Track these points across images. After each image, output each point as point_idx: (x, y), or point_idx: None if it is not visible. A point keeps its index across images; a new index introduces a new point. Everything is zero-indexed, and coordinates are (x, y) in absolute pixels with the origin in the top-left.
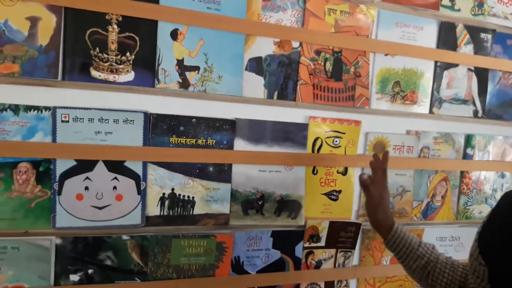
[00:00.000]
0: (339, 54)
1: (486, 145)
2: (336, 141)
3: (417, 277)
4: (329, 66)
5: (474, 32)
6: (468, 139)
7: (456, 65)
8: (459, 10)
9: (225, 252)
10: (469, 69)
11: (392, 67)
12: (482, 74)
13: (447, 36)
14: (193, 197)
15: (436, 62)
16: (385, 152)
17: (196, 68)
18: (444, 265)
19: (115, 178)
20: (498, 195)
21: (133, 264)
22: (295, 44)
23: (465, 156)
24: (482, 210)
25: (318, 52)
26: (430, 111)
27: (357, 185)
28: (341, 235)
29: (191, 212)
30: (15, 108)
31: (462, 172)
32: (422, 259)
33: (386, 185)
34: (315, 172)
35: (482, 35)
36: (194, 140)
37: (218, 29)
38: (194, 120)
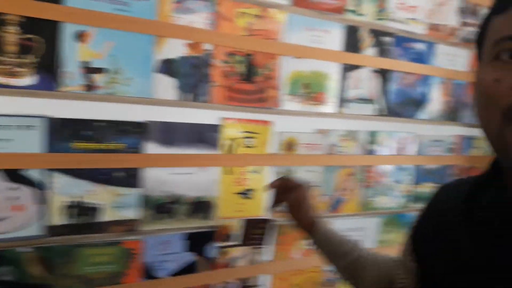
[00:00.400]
0: (251, 56)
1: (388, 141)
2: (249, 141)
3: (346, 276)
4: (241, 68)
5: (376, 35)
6: (372, 135)
7: (360, 67)
8: (362, 14)
9: (134, 258)
10: (372, 71)
11: (301, 69)
12: (384, 75)
13: (351, 39)
14: (99, 204)
15: (342, 64)
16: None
17: (103, 70)
18: (373, 261)
19: (14, 187)
20: (399, 187)
21: (35, 278)
22: (207, 46)
23: (370, 152)
24: (385, 201)
25: (230, 55)
26: (337, 111)
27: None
28: (254, 232)
29: (98, 220)
30: None
31: (366, 167)
32: (349, 256)
33: (306, 185)
34: (229, 172)
35: (384, 38)
36: (101, 144)
37: (127, 31)
38: (101, 123)
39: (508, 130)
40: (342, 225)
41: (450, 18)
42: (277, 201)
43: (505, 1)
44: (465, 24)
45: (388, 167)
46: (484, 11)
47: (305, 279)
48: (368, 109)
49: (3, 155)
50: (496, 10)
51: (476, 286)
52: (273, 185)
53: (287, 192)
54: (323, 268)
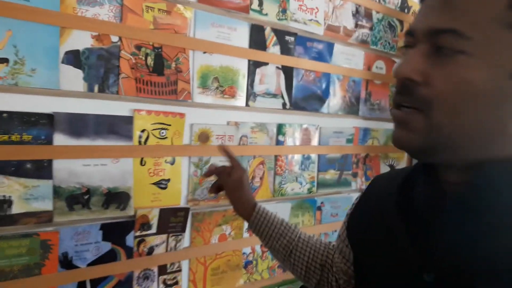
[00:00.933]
0: (160, 50)
1: (294, 132)
2: (162, 133)
3: (281, 257)
4: (150, 61)
5: (280, 34)
6: (279, 127)
7: (266, 64)
8: (266, 14)
9: (51, 249)
10: (277, 67)
11: (211, 64)
12: (288, 72)
13: (257, 37)
14: (9, 196)
15: (249, 60)
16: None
17: (4, 61)
18: (306, 244)
19: None
20: (306, 174)
21: None
22: (115, 39)
23: (278, 142)
24: (293, 187)
25: (138, 47)
26: (247, 104)
27: (185, 172)
28: (171, 221)
29: (8, 212)
30: None
31: (276, 156)
32: (284, 238)
33: (244, 169)
34: (143, 163)
35: (287, 37)
36: (7, 136)
37: (28, 21)
38: (5, 115)
39: (391, 113)
40: None
41: (346, 20)
42: (216, 187)
43: None
44: (359, 26)
45: (295, 156)
46: (376, 15)
47: (224, 262)
48: (275, 103)
49: None
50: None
51: (408, 274)
52: (210, 171)
53: (225, 176)
54: (241, 252)
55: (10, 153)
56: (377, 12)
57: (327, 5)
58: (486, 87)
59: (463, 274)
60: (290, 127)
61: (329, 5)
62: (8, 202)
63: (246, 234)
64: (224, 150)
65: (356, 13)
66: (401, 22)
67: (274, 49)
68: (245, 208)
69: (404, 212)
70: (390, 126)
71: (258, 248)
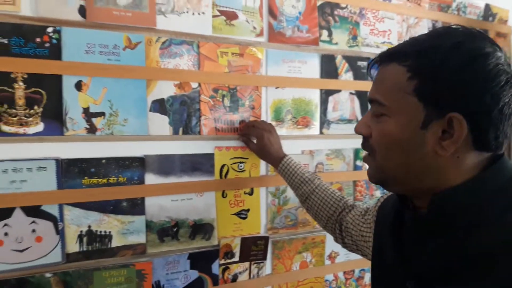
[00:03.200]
0: (235, 90)
1: None
2: (240, 166)
3: (299, 201)
4: (226, 101)
5: (352, 61)
6: (356, 152)
7: (339, 91)
8: (336, 43)
9: (145, 278)
10: (351, 93)
11: (283, 98)
12: (362, 96)
13: (328, 67)
14: (109, 232)
15: (321, 90)
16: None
17: (101, 114)
18: (319, 195)
19: (33, 221)
20: None
21: None
22: (194, 85)
23: (355, 167)
24: None
25: (215, 90)
26: (320, 132)
27: (263, 202)
28: (253, 249)
29: (109, 246)
30: None
31: (354, 181)
32: (302, 188)
33: (265, 127)
34: (225, 195)
35: (359, 62)
36: (106, 179)
37: (119, 77)
38: (103, 161)
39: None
40: None
41: None
42: (248, 136)
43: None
44: None
45: None
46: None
47: None
48: (350, 128)
49: (20, 194)
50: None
51: (395, 281)
52: (247, 127)
53: (252, 144)
54: (323, 279)
55: (109, 194)
56: (457, 26)
57: (400, 25)
58: (402, 137)
59: (436, 281)
60: None
61: (403, 25)
62: (108, 237)
63: (327, 261)
64: (242, 134)
65: (432, 28)
66: (485, 32)
67: (346, 76)
68: (273, 161)
69: (394, 231)
70: None
71: (341, 275)
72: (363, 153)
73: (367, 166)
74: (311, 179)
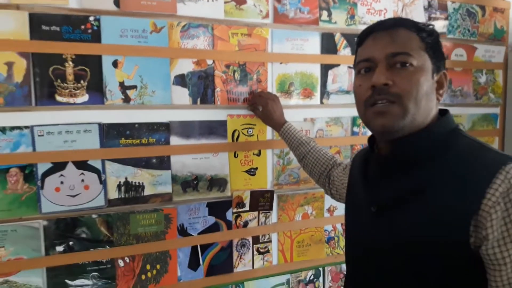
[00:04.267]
0: (244, 66)
1: None
2: (249, 131)
3: (297, 160)
4: (237, 75)
5: (350, 38)
6: (354, 120)
7: (338, 65)
8: (335, 22)
9: (171, 221)
10: (349, 67)
11: (287, 72)
12: None
13: (328, 44)
14: (142, 183)
15: (321, 64)
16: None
17: (134, 87)
18: (313, 155)
19: (82, 173)
20: None
21: (102, 236)
22: (209, 62)
23: (353, 133)
24: None
25: (227, 66)
26: (321, 102)
27: (270, 162)
28: (260, 201)
29: (142, 194)
30: (3, 129)
31: (351, 145)
32: (299, 149)
33: (270, 96)
34: (236, 155)
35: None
36: (139, 140)
37: (148, 56)
38: (136, 125)
39: (367, 112)
40: None
41: (418, 16)
42: (255, 104)
43: (361, 37)
44: (432, 19)
45: None
46: (452, 5)
47: (307, 237)
48: (348, 99)
49: (71, 151)
50: (358, 44)
51: (364, 208)
52: (254, 96)
53: (258, 112)
54: (323, 229)
55: (141, 152)
56: (453, 2)
57: (395, 4)
58: (425, 83)
59: (390, 206)
60: None
61: (398, 4)
62: (141, 187)
63: (327, 214)
64: (250, 103)
65: (428, 7)
66: (482, 7)
67: (344, 52)
68: (275, 126)
69: (362, 171)
70: (474, 111)
71: (339, 226)
72: (371, 112)
73: (365, 131)
74: (307, 141)
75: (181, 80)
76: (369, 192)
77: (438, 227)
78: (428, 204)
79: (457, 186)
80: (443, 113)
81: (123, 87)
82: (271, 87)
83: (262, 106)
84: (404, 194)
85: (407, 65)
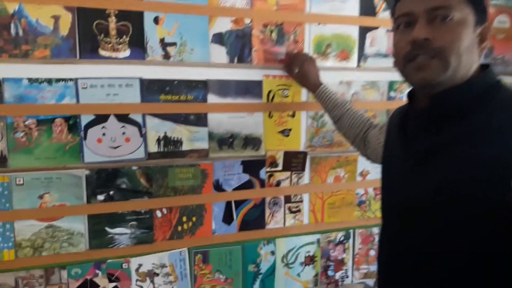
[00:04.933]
0: (281, 26)
1: (406, 89)
2: (284, 92)
3: (333, 121)
4: (274, 35)
5: (389, 1)
6: (391, 84)
7: (376, 28)
8: None
9: (208, 176)
10: (388, 30)
11: (324, 33)
12: None
13: (367, 6)
14: (180, 138)
15: (360, 26)
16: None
17: (174, 44)
18: (348, 117)
19: (123, 126)
20: None
21: (142, 187)
22: (247, 21)
23: (389, 98)
24: None
25: (265, 26)
26: (358, 65)
27: (303, 124)
28: (293, 161)
29: (180, 149)
30: (49, 81)
31: (387, 110)
32: (335, 110)
33: (306, 58)
34: (271, 116)
35: None
36: (177, 96)
37: (188, 14)
38: (175, 82)
39: (407, 67)
40: None
41: None
42: (291, 65)
43: None
44: None
45: None
46: None
47: (339, 199)
48: (385, 62)
49: (113, 105)
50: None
51: (401, 162)
52: (290, 57)
53: (294, 71)
54: (354, 192)
55: (180, 108)
56: None
57: None
58: (467, 37)
59: (427, 157)
60: (401, 84)
61: None
62: (180, 142)
63: (359, 178)
64: (286, 64)
65: None
66: None
67: (384, 14)
68: (311, 88)
69: (401, 127)
70: None
71: (370, 190)
72: (411, 67)
73: (401, 96)
74: (343, 103)
75: (219, 38)
76: (406, 147)
77: (479, 182)
78: (467, 157)
79: (499, 138)
80: (485, 68)
81: (164, 44)
82: (308, 48)
83: (298, 67)
84: (442, 147)
85: (448, 18)
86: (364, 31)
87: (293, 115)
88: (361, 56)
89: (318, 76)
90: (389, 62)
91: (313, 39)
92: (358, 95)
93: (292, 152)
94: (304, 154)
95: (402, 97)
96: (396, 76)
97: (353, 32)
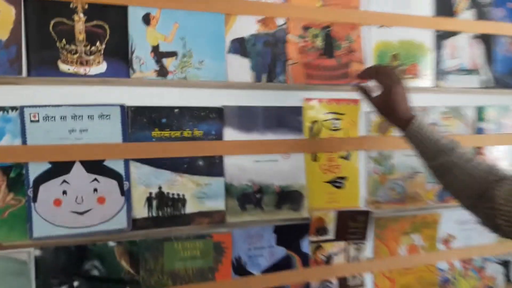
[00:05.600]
0: (329, 29)
1: (498, 117)
2: (335, 124)
3: (436, 175)
4: (319, 42)
5: None
6: (479, 111)
7: (457, 33)
8: None
9: (224, 252)
10: (472, 36)
11: (388, 39)
12: (487, 41)
13: (443, 3)
14: (183, 195)
15: (436, 31)
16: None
17: (173, 54)
18: (461, 170)
19: (95, 179)
20: None
21: (123, 273)
22: (280, 22)
23: (478, 130)
24: None
25: (306, 28)
26: (435, 84)
27: (363, 169)
28: (350, 226)
29: (182, 212)
30: None
31: (476, 148)
32: (438, 159)
33: (395, 78)
34: (316, 158)
35: None
36: (179, 132)
37: (194, 10)
38: (176, 110)
39: None
40: (453, 217)
41: None
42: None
43: None
44: None
45: (500, 149)
46: None
47: (415, 278)
48: (471, 81)
49: (80, 146)
50: None
51: None
52: (368, 70)
53: (373, 97)
54: (435, 267)
55: (183, 149)
56: None
57: None
58: None
59: None
60: (493, 111)
61: None
62: (182, 201)
63: (441, 246)
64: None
65: None
66: None
67: (465, 15)
68: (400, 122)
69: None
70: None
71: (457, 263)
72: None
73: (495, 128)
74: (452, 147)
75: (240, 46)
76: None
77: None
78: None
79: None
80: None
81: (158, 54)
82: (367, 59)
83: (384, 88)
84: None
85: None
86: (439, 37)
87: (347, 157)
88: (439, 72)
89: (409, 104)
90: (475, 79)
91: (374, 47)
92: (436, 126)
93: (348, 212)
94: (366, 214)
95: (496, 129)
96: (486, 99)
97: (426, 38)
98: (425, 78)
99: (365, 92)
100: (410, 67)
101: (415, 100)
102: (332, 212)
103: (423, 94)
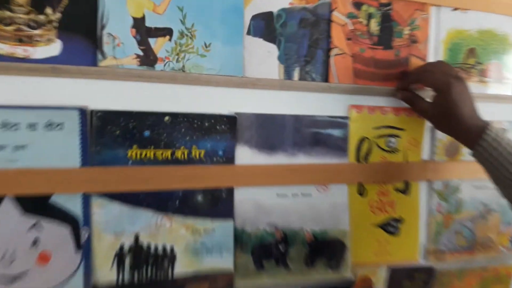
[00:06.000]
0: (388, 7)
1: None
2: (391, 142)
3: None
4: (374, 26)
5: None
6: None
7: None
8: None
9: None
10: None
11: (464, 27)
12: None
13: None
14: (171, 248)
15: None
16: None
17: (166, 32)
18: None
19: (35, 224)
20: None
21: None
22: None
23: None
24: None
25: (358, 5)
26: None
27: (424, 206)
28: (406, 286)
29: (169, 274)
30: None
31: None
32: None
33: (454, 73)
34: (363, 192)
35: None
36: (170, 151)
37: None
38: (167, 118)
39: None
40: None
41: None
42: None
43: None
44: None
45: None
46: None
47: None
48: None
49: (13, 172)
50: None
51: None
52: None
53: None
54: None
55: (174, 178)
56: None
57: None
58: None
59: None
60: None
61: None
62: (169, 258)
63: None
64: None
65: None
66: None
67: None
68: (466, 135)
69: None
70: None
71: None
72: None
73: None
74: None
75: (265, 25)
76: None
77: None
78: None
79: None
80: None
81: (143, 31)
82: (435, 53)
83: (437, 91)
84: None
85: None
86: None
87: (405, 190)
88: None
89: (476, 110)
90: None
91: (445, 38)
92: None
93: (403, 270)
94: (428, 272)
95: None
96: None
97: (510, 28)
98: (506, 83)
99: (412, 97)
100: (489, 66)
101: (490, 113)
102: (383, 268)
103: (502, 104)
